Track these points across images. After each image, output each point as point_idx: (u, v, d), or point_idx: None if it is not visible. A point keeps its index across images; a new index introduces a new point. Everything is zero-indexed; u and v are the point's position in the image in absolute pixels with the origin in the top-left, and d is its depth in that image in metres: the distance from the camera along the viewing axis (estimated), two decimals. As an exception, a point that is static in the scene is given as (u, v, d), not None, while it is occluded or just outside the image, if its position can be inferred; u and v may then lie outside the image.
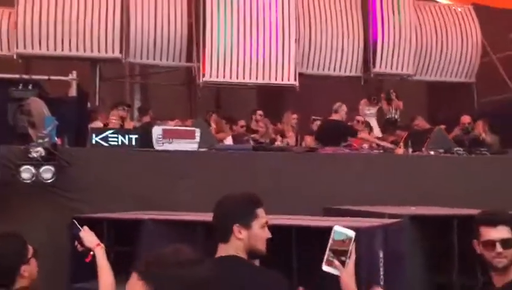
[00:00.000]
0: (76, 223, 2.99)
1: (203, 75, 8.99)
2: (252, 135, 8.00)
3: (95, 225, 3.16)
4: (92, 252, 2.84)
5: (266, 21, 9.20)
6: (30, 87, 5.83)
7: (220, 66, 9.02)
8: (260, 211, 2.45)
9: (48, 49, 8.67)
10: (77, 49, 8.74)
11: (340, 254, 2.32)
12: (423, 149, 6.52)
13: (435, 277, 3.77)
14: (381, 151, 6.77)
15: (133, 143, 5.50)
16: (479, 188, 5.61)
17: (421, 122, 8.92)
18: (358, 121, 8.49)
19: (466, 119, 8.31)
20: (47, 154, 4.79)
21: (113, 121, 7.14)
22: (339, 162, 5.86)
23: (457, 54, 10.23)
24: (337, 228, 2.36)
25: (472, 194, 5.41)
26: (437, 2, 10.94)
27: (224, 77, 9.06)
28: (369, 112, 9.13)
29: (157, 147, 5.43)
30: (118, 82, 10.55)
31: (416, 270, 3.70)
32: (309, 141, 8.26)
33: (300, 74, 9.39)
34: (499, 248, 2.52)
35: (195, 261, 1.55)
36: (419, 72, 10.18)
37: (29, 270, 2.76)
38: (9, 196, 4.81)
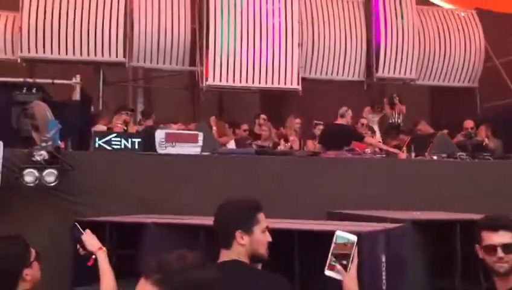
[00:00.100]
0: (78, 226, 2.99)
1: (206, 79, 9.01)
2: (255, 142, 7.99)
3: (98, 228, 3.17)
4: (94, 256, 2.84)
5: (269, 25, 9.22)
6: (34, 91, 5.86)
7: (223, 70, 9.03)
8: (261, 216, 2.46)
9: (51, 53, 8.70)
10: (81, 53, 8.77)
11: (342, 258, 2.32)
12: (426, 154, 6.51)
13: (438, 281, 3.76)
14: (384, 155, 6.76)
15: (136, 147, 5.51)
16: (482, 193, 5.59)
17: (424, 127, 8.91)
18: (362, 124, 8.49)
19: (469, 123, 8.30)
20: (50, 158, 4.80)
21: (119, 125, 7.16)
22: (342, 166, 5.86)
23: (460, 58, 10.23)
24: (339, 233, 2.36)
25: (475, 199, 5.40)
26: (440, 6, 10.96)
27: (227, 81, 9.08)
28: (372, 120, 9.14)
29: (160, 150, 5.43)
30: (121, 86, 10.58)
31: (418, 275, 3.69)
32: (311, 145, 8.26)
33: (303, 78, 9.41)
34: (500, 252, 2.52)
35: (200, 265, 1.57)
36: (422, 76, 10.17)
37: (31, 273, 2.76)
38: (12, 199, 4.82)
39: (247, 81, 9.14)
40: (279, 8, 9.29)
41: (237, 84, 9.13)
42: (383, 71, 9.77)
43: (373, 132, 8.72)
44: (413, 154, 6.48)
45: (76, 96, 6.99)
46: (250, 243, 2.40)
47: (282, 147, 7.97)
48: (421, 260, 3.75)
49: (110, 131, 6.64)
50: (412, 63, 9.85)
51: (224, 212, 2.47)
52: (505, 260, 2.52)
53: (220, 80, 9.05)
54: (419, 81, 10.17)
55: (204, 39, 9.07)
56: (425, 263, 3.77)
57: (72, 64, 8.85)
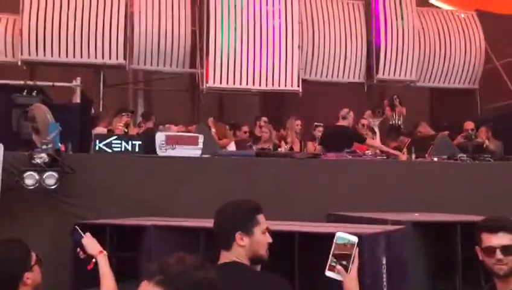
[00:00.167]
0: (78, 229, 2.99)
1: (207, 81, 9.02)
2: (255, 145, 8.00)
3: (98, 231, 3.16)
4: (94, 260, 2.84)
5: (269, 27, 9.23)
6: (34, 93, 5.85)
7: (223, 72, 9.04)
8: (260, 217, 2.47)
9: (52, 56, 8.71)
10: (81, 56, 8.79)
11: (343, 259, 2.32)
12: (426, 155, 6.50)
13: (438, 283, 3.75)
14: (385, 157, 6.76)
15: (137, 149, 5.51)
16: (483, 195, 5.58)
17: (424, 129, 8.91)
18: (363, 125, 8.49)
19: (469, 125, 8.29)
20: (50, 161, 4.79)
21: (120, 127, 7.16)
22: (342, 168, 5.85)
23: (460, 60, 10.23)
24: (340, 233, 2.37)
25: (475, 201, 5.39)
26: (440, 8, 10.96)
27: (227, 83, 9.09)
28: (373, 124, 9.13)
29: (160, 153, 5.43)
30: (122, 88, 10.59)
31: (419, 277, 3.68)
32: (311, 147, 8.26)
33: (304, 80, 9.42)
34: (499, 254, 2.51)
35: (200, 266, 1.60)
36: (423, 78, 10.18)
37: (32, 277, 2.76)
38: (12, 201, 4.81)
39: (247, 83, 9.15)
40: (279, 10, 9.30)
41: (237, 86, 9.13)
42: (383, 73, 9.78)
43: (374, 133, 8.72)
44: (413, 156, 6.48)
45: (77, 99, 6.99)
46: (250, 244, 2.41)
47: (282, 149, 7.97)
48: (422, 262, 3.74)
49: (110, 133, 6.65)
50: (412, 64, 9.85)
51: (224, 213, 2.48)
52: (504, 262, 2.52)
53: (220, 82, 9.06)
54: (419, 83, 10.17)
55: (205, 41, 9.08)
56: (426, 265, 3.76)
57: (73, 67, 8.87)
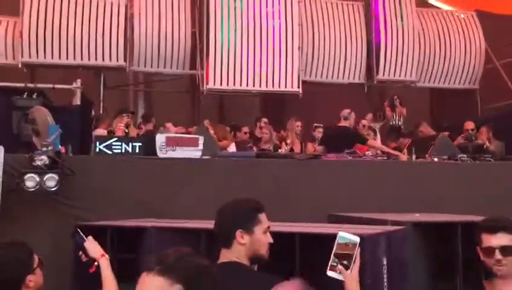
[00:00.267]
0: (79, 231, 2.98)
1: (207, 83, 9.02)
2: (255, 146, 8.00)
3: (98, 233, 3.16)
4: (96, 263, 2.84)
5: (269, 28, 9.23)
6: (34, 96, 5.86)
7: (223, 74, 9.04)
8: (262, 216, 2.46)
9: (52, 58, 8.72)
10: (81, 58, 8.80)
11: (344, 259, 2.32)
12: (427, 156, 6.51)
13: (439, 284, 3.75)
14: (385, 158, 6.76)
15: (137, 151, 5.52)
16: (483, 195, 5.59)
17: (425, 129, 8.91)
18: (364, 126, 8.49)
19: (469, 125, 8.29)
20: (51, 163, 4.80)
21: (121, 127, 7.17)
22: (342, 169, 5.85)
23: (460, 60, 10.23)
24: (342, 233, 2.37)
25: (476, 201, 5.39)
26: (440, 8, 10.96)
27: (227, 85, 9.09)
28: (374, 127, 9.13)
29: (160, 154, 5.44)
30: (122, 90, 10.59)
31: (419, 278, 3.68)
32: (311, 147, 8.26)
33: (304, 81, 9.41)
34: (498, 255, 2.51)
35: (197, 254, 1.68)
36: (423, 78, 10.18)
37: (34, 280, 2.75)
38: (13, 204, 4.82)
39: (247, 85, 9.15)
40: (279, 11, 9.31)
41: (237, 87, 9.14)
42: (383, 74, 9.78)
43: (374, 133, 8.72)
44: (414, 157, 6.48)
45: (77, 101, 7.00)
46: (250, 243, 2.40)
47: (283, 150, 7.97)
48: (422, 263, 3.74)
49: (110, 135, 6.65)
50: (412, 65, 9.85)
51: (226, 211, 2.47)
52: (503, 262, 2.51)
53: (221, 84, 9.06)
54: (419, 83, 10.17)
55: (205, 43, 9.09)
56: (427, 266, 3.76)
57: (73, 69, 8.87)
